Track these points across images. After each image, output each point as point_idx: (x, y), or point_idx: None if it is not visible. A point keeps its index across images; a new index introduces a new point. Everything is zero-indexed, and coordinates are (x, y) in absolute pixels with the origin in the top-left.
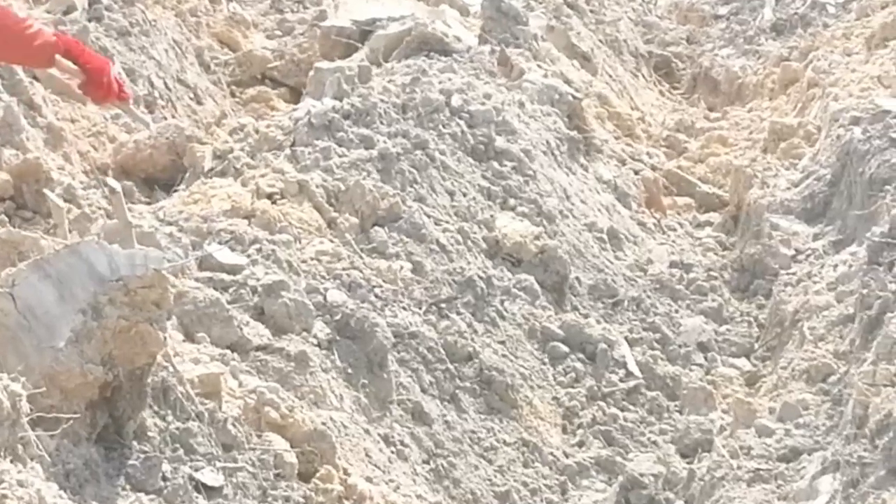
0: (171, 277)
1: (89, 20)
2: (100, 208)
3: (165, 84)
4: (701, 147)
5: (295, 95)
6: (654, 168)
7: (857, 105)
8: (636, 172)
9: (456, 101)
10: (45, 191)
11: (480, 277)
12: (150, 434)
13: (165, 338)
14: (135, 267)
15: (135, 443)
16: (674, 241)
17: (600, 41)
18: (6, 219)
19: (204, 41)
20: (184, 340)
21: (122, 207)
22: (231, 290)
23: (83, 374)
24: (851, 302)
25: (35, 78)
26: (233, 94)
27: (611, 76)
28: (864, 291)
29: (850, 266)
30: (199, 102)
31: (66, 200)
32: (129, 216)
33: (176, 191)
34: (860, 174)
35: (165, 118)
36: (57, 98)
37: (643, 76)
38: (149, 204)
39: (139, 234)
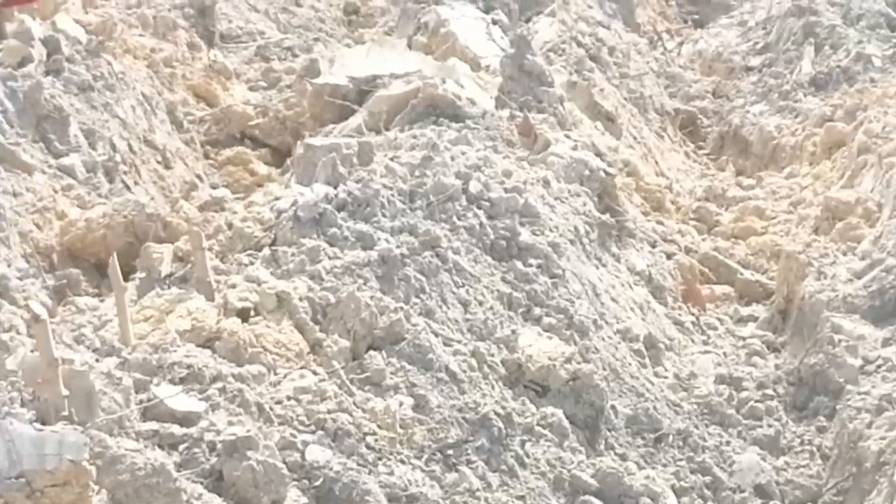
0: (93, 471)
1: (46, 73)
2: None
3: (130, 146)
4: (735, 220)
5: (277, 157)
6: (688, 250)
7: None
8: (669, 256)
9: (474, 186)
10: None
11: (498, 414)
12: None
13: None
14: (44, 457)
15: None
16: (716, 344)
17: (625, 98)
18: None
19: (178, 95)
20: None
21: (48, 340)
22: (182, 448)
23: None
24: None
25: None
26: (207, 156)
27: (636, 138)
28: None
29: None
30: (168, 166)
31: None
32: (56, 350)
33: (133, 279)
34: None
35: (128, 187)
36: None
37: (668, 136)
38: (98, 296)
39: (67, 373)
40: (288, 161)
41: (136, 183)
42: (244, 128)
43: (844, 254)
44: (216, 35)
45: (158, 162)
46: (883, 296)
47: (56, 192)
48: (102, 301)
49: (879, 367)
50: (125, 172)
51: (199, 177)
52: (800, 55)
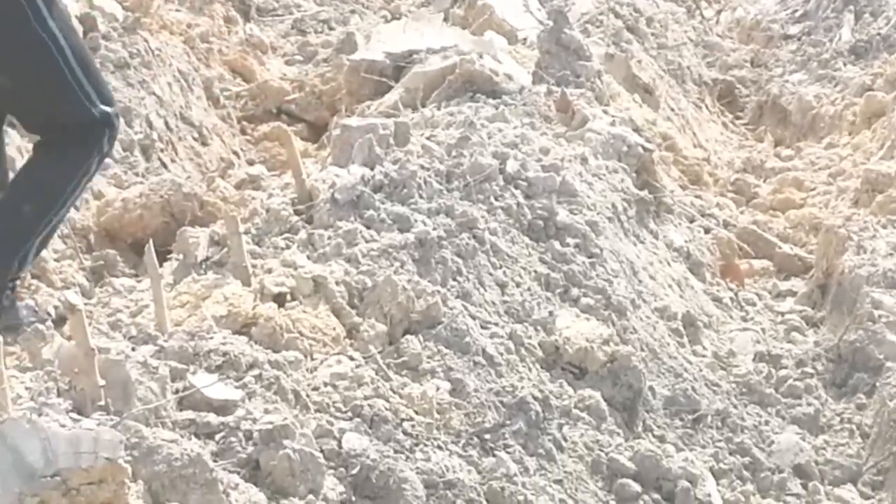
0: (128, 468)
1: None
2: (74, 284)
3: (166, 123)
4: (773, 192)
5: (314, 132)
6: (726, 224)
7: None
8: (707, 231)
9: (512, 166)
10: None
11: (535, 398)
12: None
13: None
14: (79, 455)
15: None
16: (754, 320)
17: (662, 69)
18: None
19: (214, 70)
20: None
21: (84, 330)
22: (218, 437)
23: None
24: None
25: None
26: (244, 132)
27: (673, 110)
28: None
29: None
30: (205, 143)
31: (32, 276)
32: (92, 340)
33: (169, 258)
34: None
35: (165, 165)
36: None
37: (706, 107)
38: (136, 276)
39: (104, 363)
40: (324, 137)
41: (172, 160)
42: (280, 103)
43: (884, 227)
44: (252, 8)
45: (195, 139)
46: None
47: None
48: (139, 282)
49: None
50: (162, 150)
51: (235, 153)
52: (839, 23)
